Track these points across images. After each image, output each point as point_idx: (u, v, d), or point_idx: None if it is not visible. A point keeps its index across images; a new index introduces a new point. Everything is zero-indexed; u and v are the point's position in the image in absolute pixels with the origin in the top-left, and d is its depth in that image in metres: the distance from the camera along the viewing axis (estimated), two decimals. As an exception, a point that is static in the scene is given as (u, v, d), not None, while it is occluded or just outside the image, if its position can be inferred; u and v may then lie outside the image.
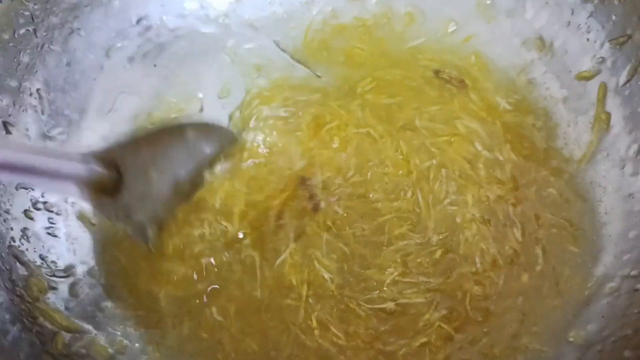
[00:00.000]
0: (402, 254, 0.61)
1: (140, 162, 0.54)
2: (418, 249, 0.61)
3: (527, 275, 0.60)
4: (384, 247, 0.61)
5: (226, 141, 0.64)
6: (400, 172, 0.66)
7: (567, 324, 0.56)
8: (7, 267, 0.53)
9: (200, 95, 0.70)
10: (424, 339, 0.57)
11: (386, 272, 0.60)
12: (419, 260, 0.61)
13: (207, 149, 0.61)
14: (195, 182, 0.60)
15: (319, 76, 0.71)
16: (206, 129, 0.63)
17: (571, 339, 0.55)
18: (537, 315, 0.58)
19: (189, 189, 0.59)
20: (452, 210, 0.63)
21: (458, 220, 0.62)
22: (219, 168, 0.63)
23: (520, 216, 0.63)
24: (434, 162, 0.66)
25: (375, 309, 0.58)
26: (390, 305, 0.58)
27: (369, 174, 0.66)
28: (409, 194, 0.64)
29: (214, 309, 0.58)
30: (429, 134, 0.67)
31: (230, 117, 0.69)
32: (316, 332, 0.57)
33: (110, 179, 0.52)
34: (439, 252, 0.61)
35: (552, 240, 0.61)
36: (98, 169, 0.51)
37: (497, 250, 0.61)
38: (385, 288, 0.59)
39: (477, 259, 0.61)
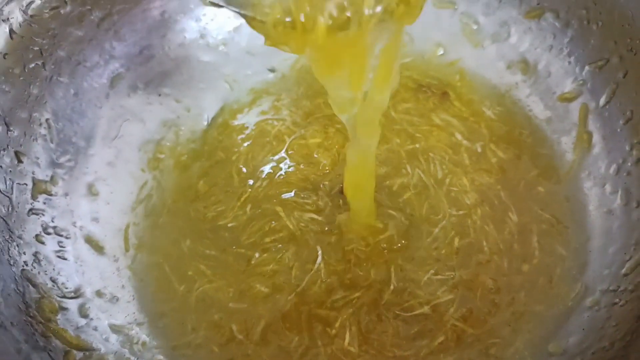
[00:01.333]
0: (435, 245, 0.63)
1: None
2: (442, 234, 0.64)
3: (527, 266, 0.63)
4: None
5: None
6: (382, 147, 0.69)
7: (550, 335, 0.58)
8: (21, 290, 0.56)
9: (200, 120, 0.74)
10: (441, 338, 0.59)
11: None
12: (443, 251, 0.63)
13: None
14: None
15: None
16: None
17: (551, 350, 0.57)
18: (531, 313, 0.60)
19: None
20: (455, 192, 0.66)
21: (468, 202, 0.66)
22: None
23: (512, 201, 0.66)
24: (418, 146, 0.69)
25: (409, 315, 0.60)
26: (426, 309, 0.60)
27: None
28: (408, 168, 0.68)
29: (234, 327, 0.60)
30: (407, 124, 0.71)
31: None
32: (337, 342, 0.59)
33: None
34: (456, 240, 0.64)
35: (544, 234, 0.64)
36: None
37: (497, 234, 0.64)
38: (419, 291, 0.61)
39: (485, 244, 0.63)
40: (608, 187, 0.65)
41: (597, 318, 0.56)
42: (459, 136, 0.71)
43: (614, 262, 0.59)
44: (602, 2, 0.66)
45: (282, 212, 0.66)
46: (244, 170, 0.70)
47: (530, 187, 0.67)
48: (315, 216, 0.66)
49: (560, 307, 0.60)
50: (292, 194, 0.68)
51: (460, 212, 0.65)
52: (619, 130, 0.65)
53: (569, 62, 0.71)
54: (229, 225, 0.66)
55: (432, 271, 0.62)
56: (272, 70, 0.77)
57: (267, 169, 0.70)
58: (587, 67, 0.69)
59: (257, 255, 0.64)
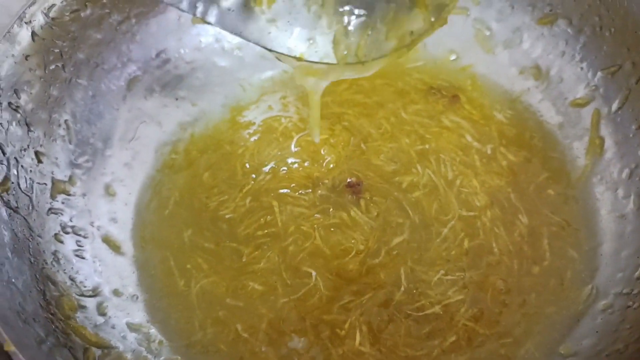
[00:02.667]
0: (445, 246, 0.64)
1: None
2: (452, 235, 0.64)
3: (537, 268, 0.63)
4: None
5: None
6: (391, 145, 0.70)
7: (561, 337, 0.58)
8: (41, 288, 0.57)
9: (213, 123, 0.75)
10: (453, 338, 0.59)
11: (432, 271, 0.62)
12: (453, 252, 0.63)
13: None
14: None
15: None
16: None
17: (562, 352, 0.57)
18: (542, 315, 0.60)
19: None
20: (465, 193, 0.67)
21: (478, 204, 0.66)
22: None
23: (522, 203, 0.66)
24: (427, 147, 0.70)
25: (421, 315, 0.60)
26: (437, 309, 0.60)
27: (362, 145, 0.70)
28: (418, 168, 0.69)
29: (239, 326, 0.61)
30: (417, 125, 0.72)
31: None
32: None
33: None
34: (466, 241, 0.64)
35: (554, 237, 0.64)
36: None
37: (507, 236, 0.64)
38: (430, 291, 0.61)
39: (494, 245, 0.64)
40: (620, 192, 0.65)
41: (611, 321, 0.57)
42: (469, 138, 0.71)
43: (627, 266, 0.60)
44: (615, 9, 0.67)
45: (277, 208, 0.67)
46: (249, 164, 0.71)
47: (540, 190, 0.68)
48: (306, 211, 0.66)
49: (571, 310, 0.60)
50: (290, 189, 0.68)
51: (470, 214, 0.66)
52: (631, 135, 0.66)
53: (582, 68, 0.71)
54: (227, 216, 0.67)
55: (442, 271, 0.63)
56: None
57: (271, 164, 0.71)
58: (599, 73, 0.69)
59: (247, 252, 0.64)
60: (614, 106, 0.68)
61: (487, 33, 0.77)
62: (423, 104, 0.74)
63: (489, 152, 0.70)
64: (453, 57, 0.78)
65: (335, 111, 0.74)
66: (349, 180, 0.67)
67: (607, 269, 0.61)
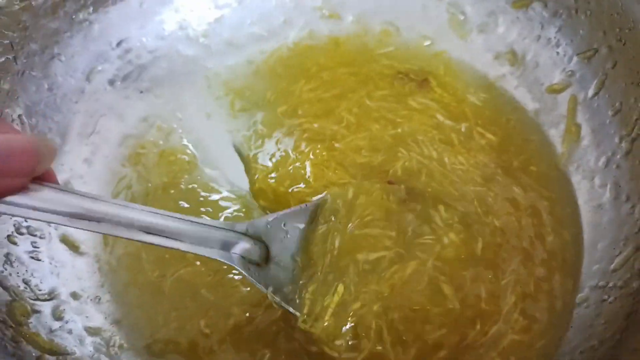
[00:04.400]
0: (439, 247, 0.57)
1: (283, 236, 0.56)
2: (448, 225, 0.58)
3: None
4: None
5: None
6: (362, 134, 0.66)
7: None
8: (-10, 293, 0.54)
9: (180, 115, 0.71)
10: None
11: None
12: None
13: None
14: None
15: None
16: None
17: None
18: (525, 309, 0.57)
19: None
20: (459, 172, 0.63)
21: (471, 188, 0.62)
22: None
23: (511, 179, 0.63)
24: (400, 130, 0.66)
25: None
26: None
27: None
28: (402, 150, 0.64)
29: (202, 322, 0.59)
30: (385, 110, 0.68)
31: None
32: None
33: (259, 252, 0.54)
34: (462, 232, 0.58)
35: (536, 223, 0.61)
36: (246, 245, 0.53)
37: (499, 221, 0.60)
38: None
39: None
40: (597, 181, 0.63)
41: (586, 315, 0.55)
42: (440, 117, 0.67)
43: (603, 258, 0.58)
44: (591, -9, 0.65)
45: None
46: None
47: (523, 167, 0.64)
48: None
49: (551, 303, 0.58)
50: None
51: (478, 188, 0.61)
52: (607, 122, 0.64)
53: (557, 53, 0.69)
54: (210, 198, 0.64)
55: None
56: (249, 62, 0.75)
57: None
58: (575, 58, 0.67)
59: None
60: (590, 92, 0.66)
61: (462, 17, 0.75)
62: (389, 89, 0.70)
63: (463, 129, 0.66)
64: (427, 42, 0.75)
65: (292, 123, 0.68)
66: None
67: (583, 262, 0.59)
